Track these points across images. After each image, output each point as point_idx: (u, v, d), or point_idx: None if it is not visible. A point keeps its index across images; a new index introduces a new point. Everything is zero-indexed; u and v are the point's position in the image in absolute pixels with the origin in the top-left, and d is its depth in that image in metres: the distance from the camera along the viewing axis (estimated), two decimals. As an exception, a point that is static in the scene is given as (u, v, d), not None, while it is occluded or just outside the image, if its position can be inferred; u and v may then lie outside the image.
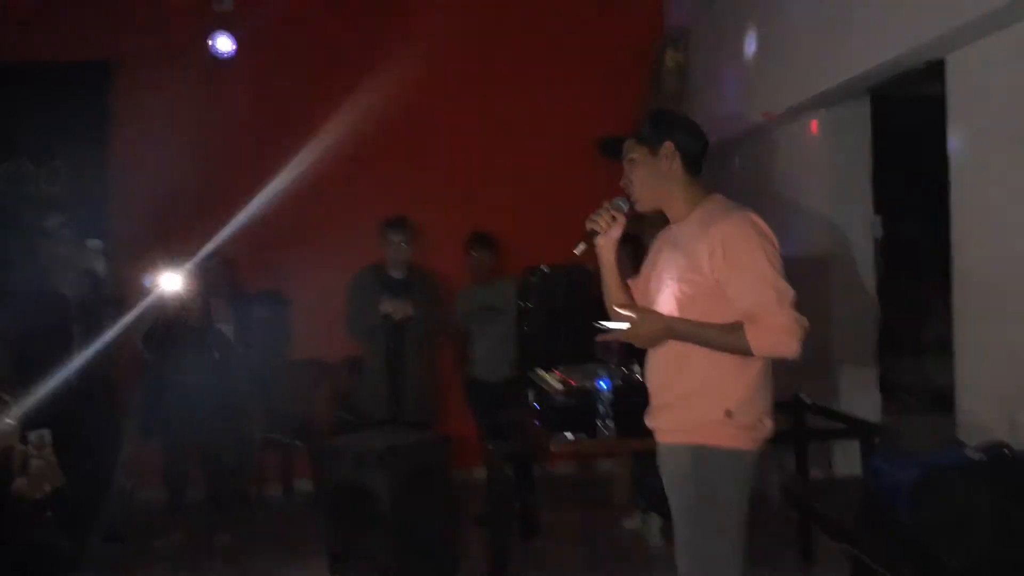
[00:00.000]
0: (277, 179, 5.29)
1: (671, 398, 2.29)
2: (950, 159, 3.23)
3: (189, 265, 4.52)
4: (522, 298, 4.43)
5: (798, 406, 3.96)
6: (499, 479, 3.77)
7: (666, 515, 2.63)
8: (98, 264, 4.66)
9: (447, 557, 3.84)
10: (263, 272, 5.57)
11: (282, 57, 5.67)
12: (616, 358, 3.43)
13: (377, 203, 5.02)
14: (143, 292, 4.51)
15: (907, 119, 4.26)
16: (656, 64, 5.69)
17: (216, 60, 5.45)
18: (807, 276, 4.21)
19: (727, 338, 2.15)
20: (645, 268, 2.47)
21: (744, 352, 2.13)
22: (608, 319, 2.37)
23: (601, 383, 3.18)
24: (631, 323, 2.25)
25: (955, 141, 3.21)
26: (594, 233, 2.36)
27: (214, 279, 4.79)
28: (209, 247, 4.83)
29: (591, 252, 2.40)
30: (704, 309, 2.19)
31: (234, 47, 5.45)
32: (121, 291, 4.77)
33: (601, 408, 3.15)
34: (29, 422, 3.19)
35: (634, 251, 3.50)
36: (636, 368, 3.23)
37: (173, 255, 4.56)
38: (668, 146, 2.29)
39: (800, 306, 2.13)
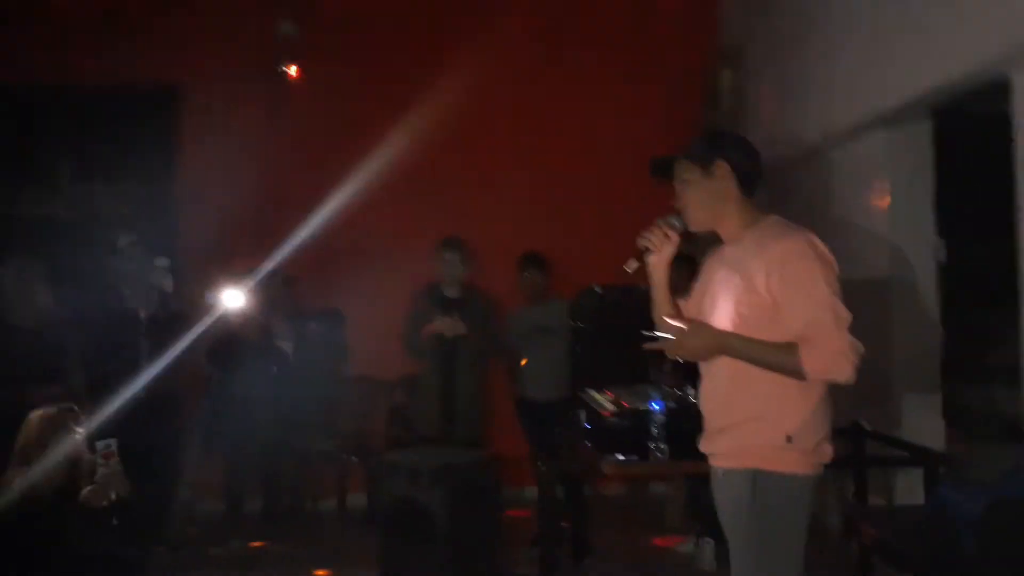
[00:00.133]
0: (336, 199, 5.41)
1: (729, 422, 2.26)
2: (1016, 180, 3.15)
3: (251, 283, 4.65)
4: (575, 318, 4.44)
5: (857, 432, 3.87)
6: (550, 499, 3.76)
7: (720, 539, 2.59)
8: (165, 281, 4.80)
9: (498, 576, 3.84)
10: (322, 290, 5.68)
11: (343, 80, 5.80)
12: (670, 380, 3.41)
13: (433, 223, 5.11)
14: (208, 309, 4.65)
15: (971, 139, 4.16)
16: (711, 84, 5.67)
17: (280, 84, 5.61)
18: (868, 300, 4.14)
19: (780, 357, 2.12)
20: (697, 288, 2.46)
21: (796, 374, 2.10)
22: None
23: (654, 404, 3.16)
24: (680, 334, 2.23)
25: (1021, 161, 3.13)
26: (646, 251, 2.35)
27: (275, 297, 4.91)
28: (270, 265, 4.95)
29: (643, 270, 2.40)
30: (760, 331, 2.17)
31: (298, 71, 5.60)
32: (187, 308, 4.92)
33: (654, 430, 3.13)
34: (97, 433, 3.31)
35: (691, 271, 3.48)
36: (690, 390, 3.20)
37: (236, 273, 4.69)
38: (722, 166, 2.28)
39: (860, 331, 2.09)
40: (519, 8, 5.70)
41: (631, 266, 2.36)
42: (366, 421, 5.64)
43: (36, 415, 3.15)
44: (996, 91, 3.23)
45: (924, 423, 4.11)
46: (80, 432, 3.17)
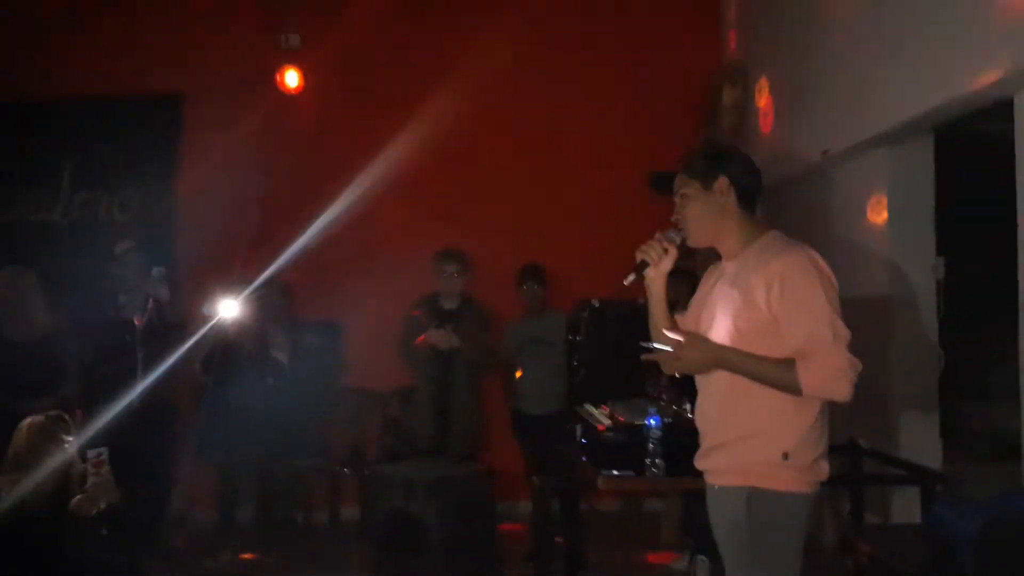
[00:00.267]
0: (333, 209, 5.41)
1: (724, 439, 2.24)
2: (1017, 200, 3.14)
3: (247, 293, 4.64)
4: (572, 332, 4.43)
5: (854, 450, 3.86)
6: (545, 514, 3.74)
7: (715, 557, 2.57)
8: (162, 290, 4.79)
9: (491, 591, 3.82)
10: (319, 300, 5.67)
11: (343, 92, 5.82)
12: (667, 395, 3.40)
13: (432, 234, 5.11)
14: (203, 318, 4.63)
15: (972, 159, 4.17)
16: (713, 100, 5.68)
17: (281, 94, 5.62)
18: (867, 317, 4.13)
19: (777, 373, 2.10)
20: (694, 303, 2.45)
21: (793, 390, 2.09)
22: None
23: (651, 420, 3.14)
24: (677, 347, 2.22)
25: (1022, 181, 3.13)
26: (644, 264, 2.34)
27: (271, 307, 4.90)
28: (266, 275, 4.94)
29: (640, 284, 2.39)
30: (758, 346, 2.15)
31: (299, 82, 5.61)
32: (183, 317, 4.91)
33: (650, 445, 3.11)
34: (90, 441, 3.28)
35: (690, 286, 3.47)
36: (687, 406, 3.18)
37: (233, 283, 4.68)
38: (722, 181, 2.27)
39: (858, 348, 2.08)
40: (521, 20, 5.70)
41: (629, 279, 2.35)
42: (360, 433, 5.62)
43: (26, 424, 3.14)
44: (998, 110, 3.23)
45: (921, 441, 4.09)
46: (70, 440, 3.15)
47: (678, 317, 2.47)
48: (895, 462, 3.81)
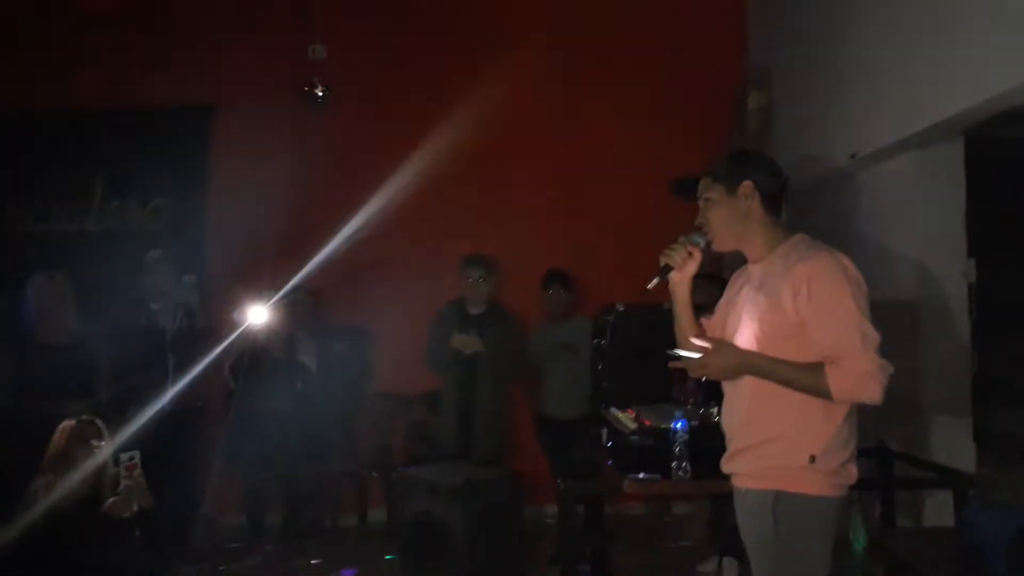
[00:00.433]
0: (361, 216, 5.45)
1: (751, 442, 2.24)
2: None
3: (276, 299, 4.69)
4: (597, 336, 4.42)
5: (884, 453, 3.81)
6: (571, 518, 3.73)
7: (743, 559, 2.56)
8: (192, 297, 4.87)
9: (518, 595, 3.82)
10: (347, 306, 5.71)
11: (370, 100, 5.86)
12: (693, 399, 3.38)
13: (458, 240, 5.13)
14: (233, 325, 4.69)
15: (1004, 161, 4.10)
16: (739, 105, 5.65)
17: (309, 104, 5.68)
18: (897, 321, 4.08)
19: (806, 378, 2.09)
20: (720, 307, 2.44)
21: (823, 394, 2.08)
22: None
23: (677, 424, 3.13)
24: (705, 354, 2.21)
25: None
26: (668, 268, 2.34)
27: (299, 313, 4.95)
28: (295, 282, 5.00)
29: (665, 288, 2.38)
30: (784, 350, 2.15)
31: (326, 92, 5.66)
32: (213, 323, 4.98)
33: (676, 449, 3.10)
34: (123, 445, 3.34)
35: (722, 291, 3.46)
36: (714, 410, 3.17)
37: (262, 289, 4.73)
38: (747, 185, 2.27)
39: (889, 352, 2.06)
40: (545, 27, 5.72)
41: (652, 283, 2.35)
42: (387, 437, 5.65)
43: (60, 427, 3.20)
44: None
45: (954, 445, 4.02)
46: (102, 445, 3.20)
47: (704, 321, 2.46)
48: (927, 465, 3.76)
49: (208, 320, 5.01)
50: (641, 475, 3.15)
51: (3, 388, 3.97)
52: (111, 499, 3.12)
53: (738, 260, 2.41)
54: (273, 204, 5.58)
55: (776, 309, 2.16)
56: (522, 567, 3.89)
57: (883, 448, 3.79)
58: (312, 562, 4.74)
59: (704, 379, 2.51)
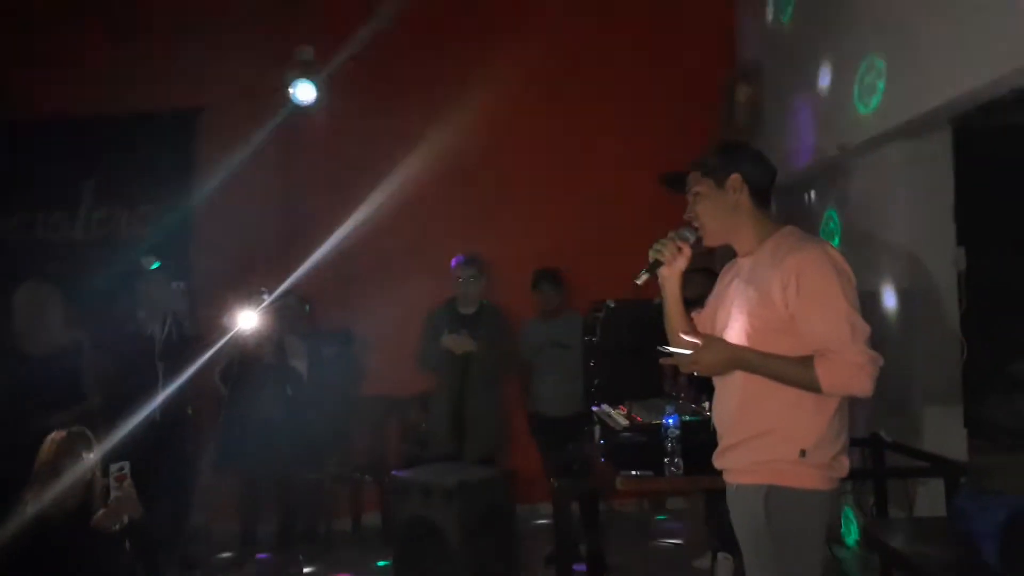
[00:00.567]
0: (350, 220, 5.44)
1: (742, 437, 2.23)
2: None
3: (265, 304, 4.66)
4: (588, 333, 4.41)
5: (876, 444, 3.81)
6: (565, 517, 3.73)
7: (738, 554, 2.55)
8: (181, 305, 4.83)
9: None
10: (336, 310, 5.70)
11: (357, 103, 5.83)
12: (684, 394, 3.38)
13: (449, 240, 5.12)
14: (222, 330, 4.66)
15: (992, 149, 4.11)
16: (728, 98, 5.65)
17: (296, 107, 5.65)
18: (886, 310, 4.09)
19: (796, 372, 2.09)
20: (710, 301, 2.43)
21: (813, 388, 2.07)
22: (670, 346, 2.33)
23: (668, 419, 3.12)
24: (695, 350, 2.21)
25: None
26: (657, 263, 2.33)
27: (289, 317, 4.92)
28: (284, 286, 4.97)
29: (655, 283, 2.37)
30: (774, 344, 2.14)
31: (314, 95, 5.63)
32: (201, 329, 4.95)
33: (669, 445, 3.10)
34: (111, 455, 3.31)
35: (712, 284, 3.46)
36: (706, 404, 3.16)
37: (250, 295, 4.71)
38: (735, 178, 2.26)
39: (880, 341, 2.05)
40: (537, 27, 5.70)
41: (641, 278, 2.34)
42: (380, 440, 5.63)
43: (49, 438, 3.17)
44: (1017, 102, 3.18)
45: (945, 433, 4.03)
46: (91, 455, 3.17)
47: (694, 315, 2.45)
48: (918, 454, 3.77)
49: (197, 327, 4.98)
50: (634, 472, 3.14)
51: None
52: (101, 511, 3.09)
53: (730, 253, 2.40)
54: (261, 208, 5.57)
55: (766, 303, 2.15)
56: (517, 566, 3.88)
57: (876, 438, 3.80)
58: (305, 571, 4.71)
59: (695, 374, 2.50)
